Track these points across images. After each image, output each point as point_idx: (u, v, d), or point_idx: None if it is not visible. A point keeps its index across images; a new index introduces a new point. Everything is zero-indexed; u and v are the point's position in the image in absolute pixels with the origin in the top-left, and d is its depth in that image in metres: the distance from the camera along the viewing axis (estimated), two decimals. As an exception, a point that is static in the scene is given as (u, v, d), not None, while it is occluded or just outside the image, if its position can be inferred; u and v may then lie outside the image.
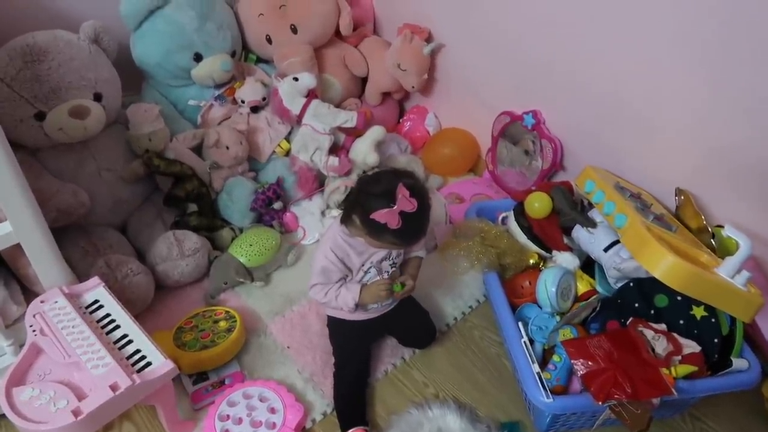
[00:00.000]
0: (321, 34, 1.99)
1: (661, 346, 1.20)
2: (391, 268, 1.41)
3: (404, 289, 1.38)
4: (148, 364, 1.20)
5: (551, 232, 1.47)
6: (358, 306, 1.39)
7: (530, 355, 1.21)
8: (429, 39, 2.03)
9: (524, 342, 1.23)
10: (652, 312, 1.27)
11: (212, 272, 1.68)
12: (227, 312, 1.57)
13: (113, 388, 1.11)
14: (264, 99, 1.95)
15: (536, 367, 1.19)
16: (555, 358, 1.28)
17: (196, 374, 1.47)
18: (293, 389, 1.45)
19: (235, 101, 1.94)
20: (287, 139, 1.97)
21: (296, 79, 1.91)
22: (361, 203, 1.22)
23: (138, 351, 1.22)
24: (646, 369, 1.15)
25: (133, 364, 1.20)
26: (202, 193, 1.76)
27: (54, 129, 1.54)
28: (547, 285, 1.35)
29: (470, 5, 1.86)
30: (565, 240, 1.48)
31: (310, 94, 1.93)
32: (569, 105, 1.73)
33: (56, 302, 1.28)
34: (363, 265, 1.36)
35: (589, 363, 1.16)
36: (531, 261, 1.46)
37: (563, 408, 1.19)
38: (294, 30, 1.93)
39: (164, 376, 1.19)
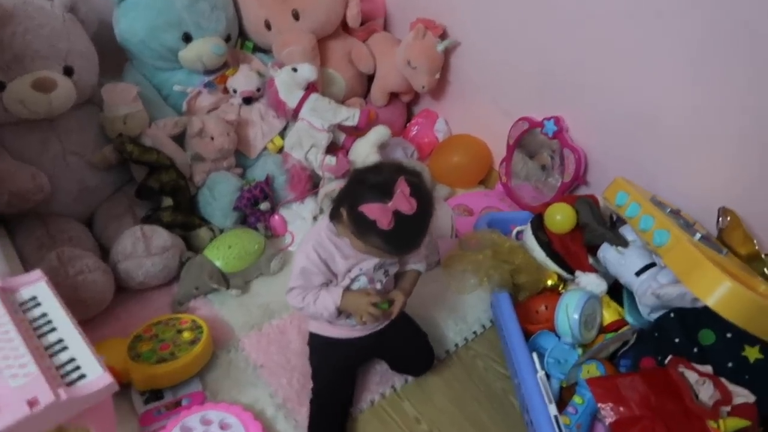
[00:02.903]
0: (325, 22, 1.81)
1: (706, 392, 0.98)
2: (385, 277, 1.20)
3: (392, 308, 1.18)
4: (82, 376, 0.99)
5: (574, 250, 1.26)
6: (341, 313, 1.18)
7: (547, 393, 0.99)
8: (444, 36, 1.85)
9: (540, 377, 1.01)
10: (696, 350, 1.05)
11: (183, 275, 1.48)
12: (194, 321, 1.36)
13: (31, 403, 0.90)
14: (259, 90, 1.76)
15: (553, 409, 0.97)
16: (576, 399, 1.06)
17: (150, 392, 1.26)
18: (261, 416, 1.23)
19: (226, 90, 1.76)
20: (281, 135, 1.78)
21: (295, 70, 1.73)
22: (353, 193, 1.02)
23: (72, 360, 1.01)
24: (691, 420, 0.93)
25: (64, 376, 0.98)
26: (179, 186, 1.56)
27: (14, 101, 1.36)
28: (568, 311, 1.14)
29: (491, 0, 1.68)
30: (590, 260, 1.27)
31: (310, 88, 1.75)
32: (597, 113, 1.54)
33: (-16, 296, 1.08)
34: (350, 271, 1.16)
35: (620, 408, 0.94)
36: (549, 282, 1.25)
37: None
38: (296, 16, 1.76)
39: (100, 392, 0.97)
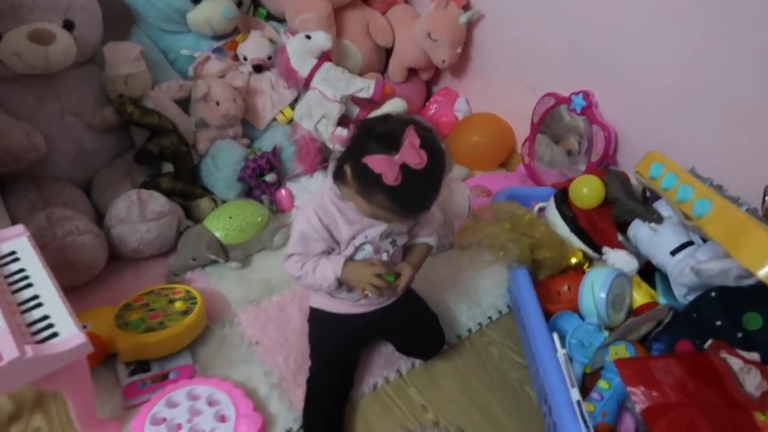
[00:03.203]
0: (342, -11, 1.73)
1: (752, 382, 0.86)
2: (392, 248, 1.10)
3: (398, 281, 1.07)
4: (54, 335, 0.90)
5: (602, 226, 1.15)
6: (341, 285, 1.08)
7: (569, 375, 0.87)
8: (467, 7, 1.75)
9: (562, 355, 0.89)
10: (740, 335, 0.92)
11: (180, 245, 1.39)
12: (188, 292, 1.27)
13: (-6, 359, 0.82)
14: (270, 59, 1.68)
15: (576, 393, 0.86)
16: (602, 384, 0.94)
17: (136, 363, 1.17)
18: (253, 395, 1.13)
19: (236, 58, 1.68)
20: (292, 106, 1.69)
21: (309, 37, 1.64)
22: (357, 145, 0.92)
23: (46, 318, 0.93)
24: (734, 411, 0.81)
25: (34, 333, 0.90)
26: (181, 152, 1.48)
27: (9, 53, 1.29)
28: (594, 288, 1.02)
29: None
30: (620, 239, 1.15)
31: (323, 57, 1.66)
32: (629, 87, 1.43)
33: (-41, 248, 1.00)
34: (354, 239, 1.06)
35: (653, 393, 0.82)
36: (573, 260, 1.13)
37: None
38: (311, -20, 1.67)
39: (72, 351, 0.88)
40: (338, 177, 1.03)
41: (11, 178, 1.42)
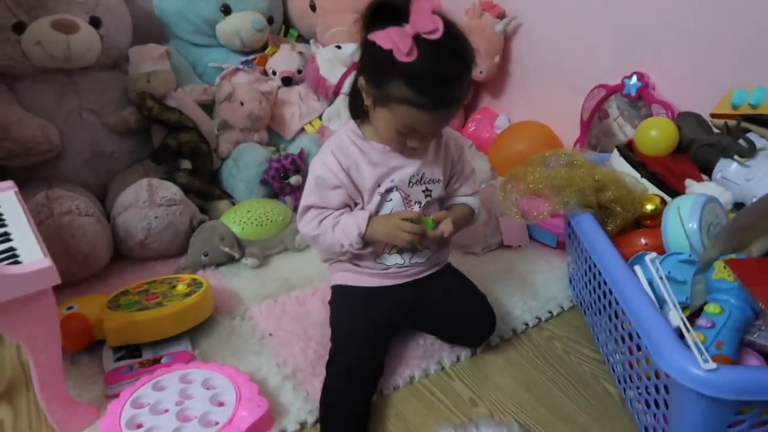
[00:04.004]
0: (373, 3, 1.69)
1: None
2: (425, 197, 0.92)
3: (439, 230, 0.88)
4: (15, 261, 0.75)
5: (680, 170, 0.95)
6: (366, 246, 0.90)
7: (669, 293, 0.64)
8: (502, 16, 1.68)
9: (657, 276, 0.67)
10: None
11: (192, 240, 1.24)
12: (194, 279, 1.11)
13: (-67, 271, 0.66)
14: (299, 72, 1.62)
15: (679, 314, 0.62)
16: (711, 308, 0.69)
17: (125, 349, 0.98)
18: (262, 384, 0.91)
19: (265, 73, 1.63)
20: (320, 118, 1.60)
21: (339, 47, 1.58)
22: (365, 49, 0.80)
23: (11, 249, 0.78)
24: None
25: (-8, 259, 0.75)
26: (200, 150, 1.38)
27: (31, 43, 1.26)
28: (682, 216, 0.81)
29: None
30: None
31: (353, 65, 1.59)
32: (686, 64, 1.28)
33: (-67, 190, 0.88)
34: (379, 185, 0.89)
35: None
36: (648, 206, 0.92)
37: (742, 386, 0.59)
38: (342, -6, 1.65)
39: (31, 276, 0.72)
40: (356, 111, 0.90)
41: (23, 179, 1.32)
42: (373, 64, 0.79)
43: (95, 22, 1.35)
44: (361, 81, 0.84)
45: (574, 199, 0.89)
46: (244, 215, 1.28)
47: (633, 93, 1.36)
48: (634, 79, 1.36)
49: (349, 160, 0.89)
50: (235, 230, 1.26)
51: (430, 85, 0.76)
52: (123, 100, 1.42)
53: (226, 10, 1.56)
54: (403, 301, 0.97)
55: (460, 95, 0.80)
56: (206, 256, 1.22)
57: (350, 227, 0.89)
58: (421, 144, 0.86)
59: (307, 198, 0.92)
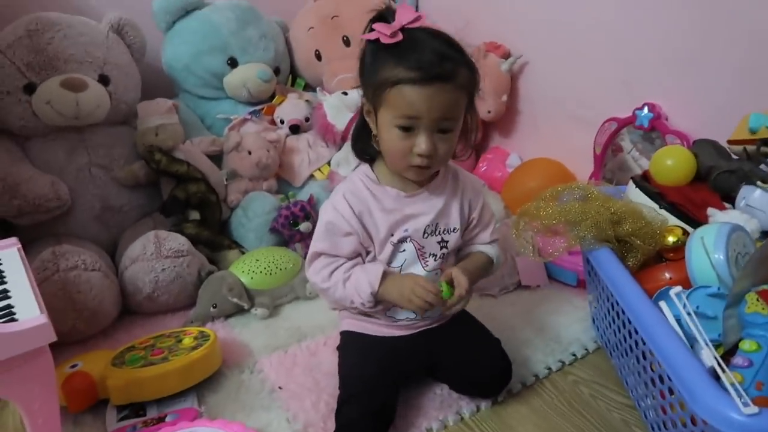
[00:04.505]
0: (378, 49, 1.71)
1: None
2: (440, 249, 0.89)
3: (455, 297, 0.84)
4: (12, 318, 0.72)
5: (700, 198, 0.91)
6: (378, 303, 0.86)
7: (699, 330, 0.59)
8: (507, 56, 1.68)
9: (685, 312, 0.62)
10: None
11: (200, 292, 1.21)
12: (201, 332, 1.07)
13: (-74, 332, 0.64)
14: (307, 120, 1.62)
15: (712, 352, 0.57)
16: (747, 345, 0.64)
17: (130, 408, 0.94)
18: (270, 440, 0.87)
19: (273, 122, 1.63)
20: (329, 164, 1.59)
21: (345, 94, 1.59)
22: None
23: (9, 307, 0.76)
24: None
25: (-12, 317, 0.72)
26: (208, 201, 1.37)
27: (41, 102, 1.28)
28: (707, 247, 0.76)
29: (554, 6, 1.53)
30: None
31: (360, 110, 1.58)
32: (700, 91, 1.25)
33: (-63, 250, 0.87)
34: (392, 234, 0.86)
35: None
36: (670, 238, 0.87)
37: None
38: (347, 42, 1.67)
39: (27, 333, 0.69)
40: (358, 145, 0.90)
41: (31, 237, 1.32)
42: (365, 61, 0.81)
43: (104, 80, 1.37)
44: (362, 100, 0.84)
45: (591, 233, 0.85)
46: (253, 264, 1.25)
47: (645, 125, 1.33)
48: (646, 110, 1.33)
49: (362, 205, 0.87)
50: (244, 280, 1.23)
51: (417, 56, 0.76)
52: (132, 154, 1.43)
53: (233, 63, 1.57)
54: (413, 350, 0.93)
55: (453, 71, 0.78)
56: (215, 307, 1.19)
57: (362, 284, 0.85)
58: (428, 147, 0.79)
59: (316, 244, 0.89)
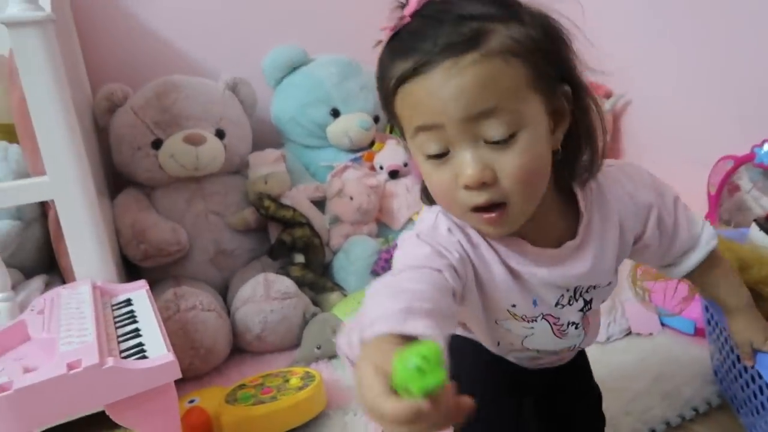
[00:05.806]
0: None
1: None
2: (587, 308, 0.68)
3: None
4: (142, 355, 0.79)
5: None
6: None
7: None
8: (609, 95, 1.65)
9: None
10: None
11: (305, 333, 1.26)
12: (307, 372, 1.10)
13: (71, 366, 0.71)
14: (406, 165, 1.66)
15: None
16: None
17: (241, 445, 0.98)
18: (375, 484, 0.87)
19: (373, 168, 1.69)
20: (428, 208, 1.61)
21: (443, 139, 1.62)
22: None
23: (140, 345, 0.82)
24: None
25: (123, 352, 0.79)
26: (312, 244, 1.43)
27: (166, 155, 1.41)
28: None
29: (658, 36, 1.49)
30: None
31: (458, 155, 1.60)
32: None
33: (79, 290, 0.97)
34: (514, 306, 0.65)
35: None
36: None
37: None
38: (444, 89, 1.70)
39: (155, 370, 0.75)
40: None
41: (154, 278, 1.43)
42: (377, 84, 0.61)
43: (220, 134, 1.48)
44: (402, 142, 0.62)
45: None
46: (356, 307, 1.28)
47: (766, 162, 1.25)
48: (766, 147, 1.25)
49: (472, 245, 0.61)
50: (347, 322, 1.26)
51: (416, 34, 0.54)
52: (243, 201, 1.52)
53: (335, 114, 1.66)
54: (528, 384, 0.86)
55: (477, 33, 0.51)
56: (319, 348, 1.23)
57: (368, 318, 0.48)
58: (474, 169, 0.52)
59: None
